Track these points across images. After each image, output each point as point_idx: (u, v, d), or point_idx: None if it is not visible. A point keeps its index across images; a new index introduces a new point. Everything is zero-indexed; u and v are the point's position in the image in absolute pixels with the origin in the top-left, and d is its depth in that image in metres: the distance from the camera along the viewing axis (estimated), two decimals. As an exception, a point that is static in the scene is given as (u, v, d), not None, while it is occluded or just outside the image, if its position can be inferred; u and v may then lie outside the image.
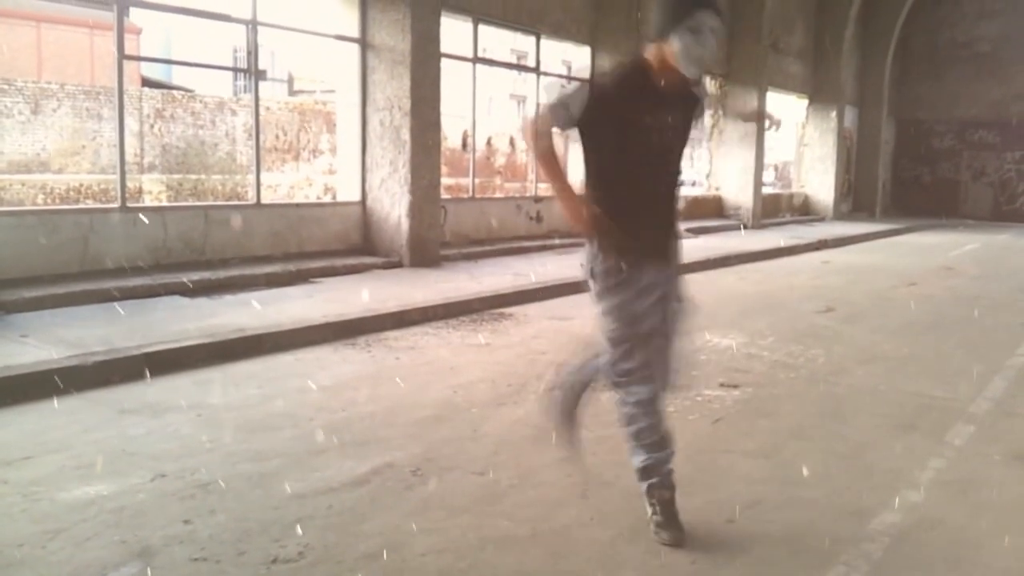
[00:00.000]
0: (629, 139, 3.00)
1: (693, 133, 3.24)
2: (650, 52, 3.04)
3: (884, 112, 23.46)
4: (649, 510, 3.16)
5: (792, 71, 20.17)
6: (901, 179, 25.32)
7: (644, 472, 3.16)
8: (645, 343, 3.09)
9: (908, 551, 3.12)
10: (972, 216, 23.88)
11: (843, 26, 20.82)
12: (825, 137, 21.45)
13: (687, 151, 3.23)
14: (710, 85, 17.91)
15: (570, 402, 3.48)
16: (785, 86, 19.88)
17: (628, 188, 3.06)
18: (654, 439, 3.13)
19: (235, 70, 29.42)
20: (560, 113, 3.02)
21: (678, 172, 3.22)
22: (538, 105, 3.36)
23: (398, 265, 9.42)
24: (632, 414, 3.14)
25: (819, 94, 21.27)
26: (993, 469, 4.02)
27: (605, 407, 4.76)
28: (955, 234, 19.37)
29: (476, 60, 11.53)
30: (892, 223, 20.62)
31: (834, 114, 21.19)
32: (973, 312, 8.62)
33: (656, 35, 2.99)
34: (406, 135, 9.37)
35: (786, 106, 21.44)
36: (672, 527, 3.10)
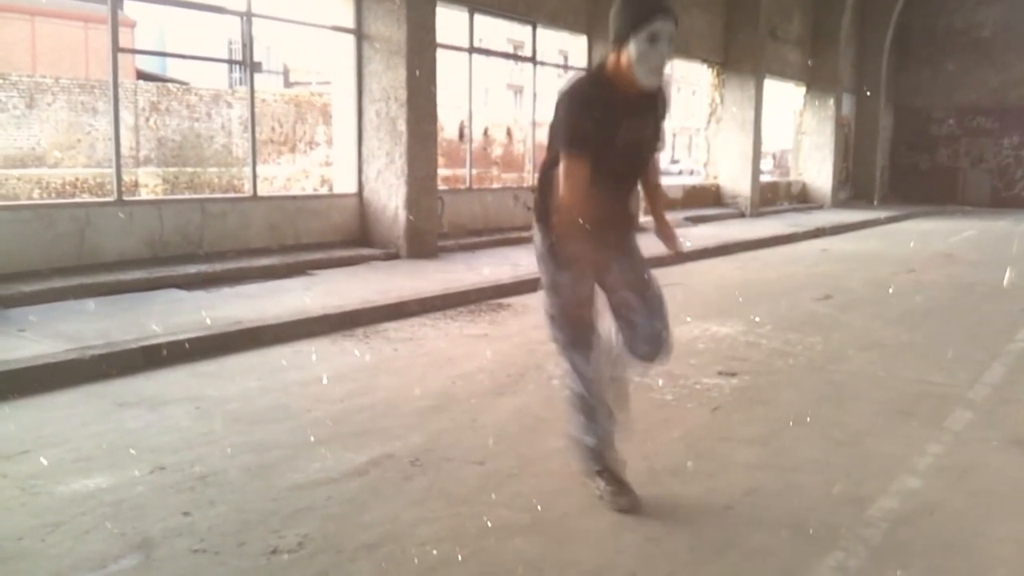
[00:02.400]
0: (597, 149, 2.97)
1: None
2: (611, 60, 3.02)
3: (882, 99, 23.41)
4: (595, 484, 3.29)
5: (790, 59, 20.12)
6: (899, 166, 25.29)
7: (592, 454, 3.31)
8: (580, 317, 3.19)
9: (906, 537, 3.13)
10: (970, 202, 23.88)
11: (841, 13, 20.77)
12: (823, 125, 21.42)
13: (670, 142, 3.26)
14: (709, 73, 17.88)
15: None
16: (783, 74, 19.84)
17: (599, 181, 3.01)
18: (590, 407, 3.25)
19: (230, 62, 29.29)
20: (581, 150, 2.98)
21: (639, 171, 3.27)
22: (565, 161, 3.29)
23: (395, 256, 9.41)
24: (571, 385, 3.28)
25: (817, 82, 21.23)
26: (992, 455, 4.03)
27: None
28: (953, 221, 19.37)
29: (472, 50, 11.49)
30: (890, 210, 20.61)
31: (832, 101, 21.16)
32: (972, 298, 8.62)
33: (614, 43, 2.97)
34: (402, 126, 9.34)
35: (784, 94, 21.42)
36: (626, 493, 3.24)
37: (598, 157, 2.99)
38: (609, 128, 2.99)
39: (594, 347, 3.25)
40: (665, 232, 3.44)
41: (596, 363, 3.25)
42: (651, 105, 3.12)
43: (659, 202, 3.56)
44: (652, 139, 3.18)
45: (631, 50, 2.92)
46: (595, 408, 3.27)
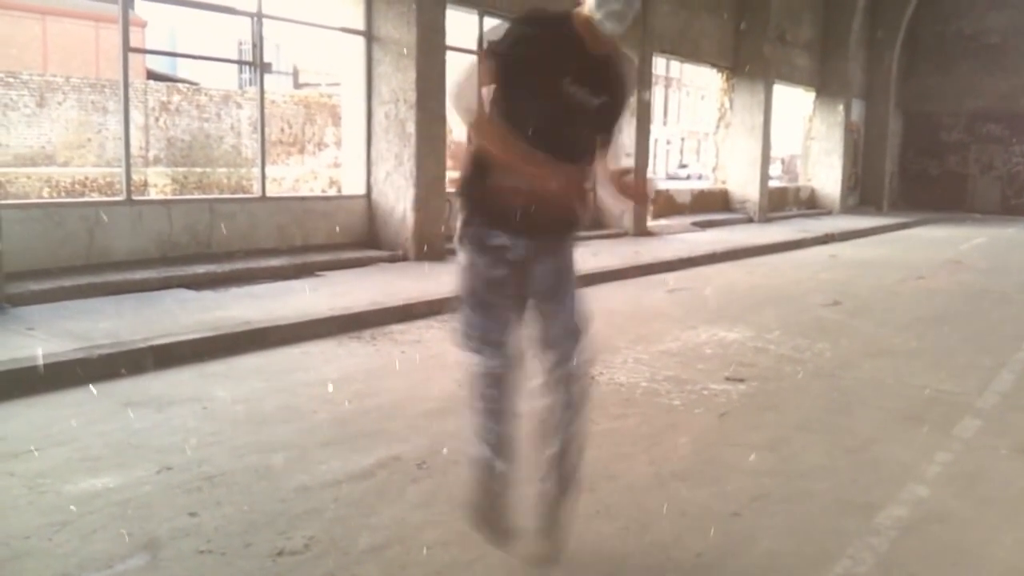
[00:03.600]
0: (532, 92, 2.66)
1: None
2: (579, 11, 2.71)
3: (891, 105, 23.34)
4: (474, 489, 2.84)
5: (799, 64, 20.08)
6: (908, 172, 25.20)
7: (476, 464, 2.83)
8: (486, 308, 2.76)
9: (914, 545, 3.11)
10: (980, 210, 23.77)
11: (850, 18, 20.71)
12: (832, 130, 21.35)
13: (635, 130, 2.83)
14: (718, 78, 17.86)
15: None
16: (792, 79, 19.80)
17: (528, 131, 2.64)
18: (485, 407, 2.79)
19: (240, 63, 29.42)
20: (490, 66, 2.67)
21: (586, 149, 2.80)
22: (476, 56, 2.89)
23: (403, 259, 9.41)
24: (473, 381, 2.81)
25: (826, 87, 21.18)
26: (1000, 463, 4.01)
27: (610, 401, 4.76)
28: (963, 228, 19.29)
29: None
30: (899, 217, 20.54)
31: (841, 107, 21.10)
32: (981, 306, 8.59)
33: None
34: (411, 128, 9.35)
35: (793, 98, 21.37)
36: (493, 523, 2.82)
37: (528, 100, 2.66)
38: (555, 70, 2.64)
39: (499, 380, 2.79)
40: (624, 184, 2.83)
41: (497, 372, 2.78)
42: (607, 77, 2.76)
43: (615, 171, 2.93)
44: (604, 113, 2.78)
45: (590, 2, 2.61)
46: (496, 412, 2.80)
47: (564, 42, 2.68)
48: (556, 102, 2.68)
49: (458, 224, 2.80)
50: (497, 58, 2.67)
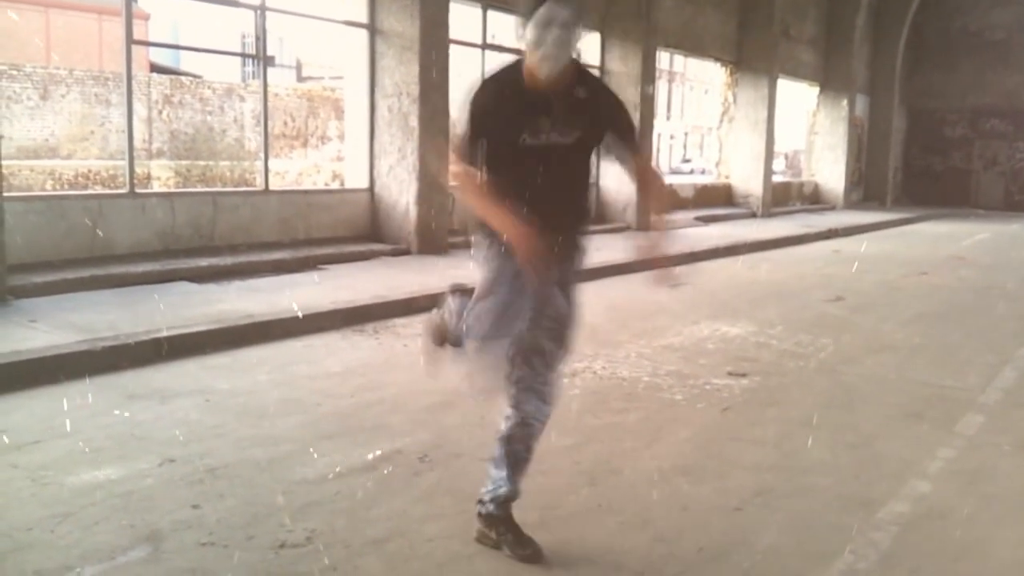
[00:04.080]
0: (507, 146, 2.75)
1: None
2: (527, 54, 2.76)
3: (895, 100, 23.28)
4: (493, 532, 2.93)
5: (803, 59, 20.02)
6: (912, 168, 25.15)
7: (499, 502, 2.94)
8: (503, 306, 2.83)
9: (916, 541, 3.11)
10: (983, 206, 23.72)
11: (855, 13, 20.65)
12: (836, 125, 21.30)
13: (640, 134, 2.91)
14: (722, 72, 17.82)
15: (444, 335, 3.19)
16: (796, 74, 19.74)
17: (511, 191, 2.72)
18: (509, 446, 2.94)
19: (243, 56, 29.38)
20: (463, 146, 2.78)
21: (575, 176, 2.88)
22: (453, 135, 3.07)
23: (406, 252, 9.41)
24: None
25: (830, 82, 21.12)
26: (1002, 460, 4.00)
27: (612, 395, 4.77)
28: (966, 224, 19.25)
29: (485, 46, 11.47)
30: (903, 212, 20.50)
31: (845, 102, 21.05)
32: (984, 302, 8.57)
33: (520, 33, 2.72)
34: (414, 122, 9.34)
35: (797, 93, 21.31)
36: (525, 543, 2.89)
37: (504, 160, 2.77)
38: (512, 127, 2.72)
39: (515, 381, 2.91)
40: (652, 241, 2.97)
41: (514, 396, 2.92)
42: (582, 105, 2.77)
43: (653, 202, 3.17)
44: (585, 143, 2.82)
45: (528, 36, 2.66)
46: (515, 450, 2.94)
47: (516, 96, 2.74)
48: (526, 154, 2.74)
49: (481, 242, 2.87)
50: (470, 121, 2.75)
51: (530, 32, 2.65)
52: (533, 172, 2.75)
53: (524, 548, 2.86)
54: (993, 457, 4.03)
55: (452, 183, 2.89)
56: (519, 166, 2.76)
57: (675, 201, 16.18)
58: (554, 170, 2.77)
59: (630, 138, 2.92)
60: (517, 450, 2.93)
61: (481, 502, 2.96)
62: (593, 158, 2.94)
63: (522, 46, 2.73)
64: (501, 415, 2.99)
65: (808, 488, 3.55)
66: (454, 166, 2.82)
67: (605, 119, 2.85)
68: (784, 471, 3.74)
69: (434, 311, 3.29)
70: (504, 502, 2.92)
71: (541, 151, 2.75)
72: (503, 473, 2.93)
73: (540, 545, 2.88)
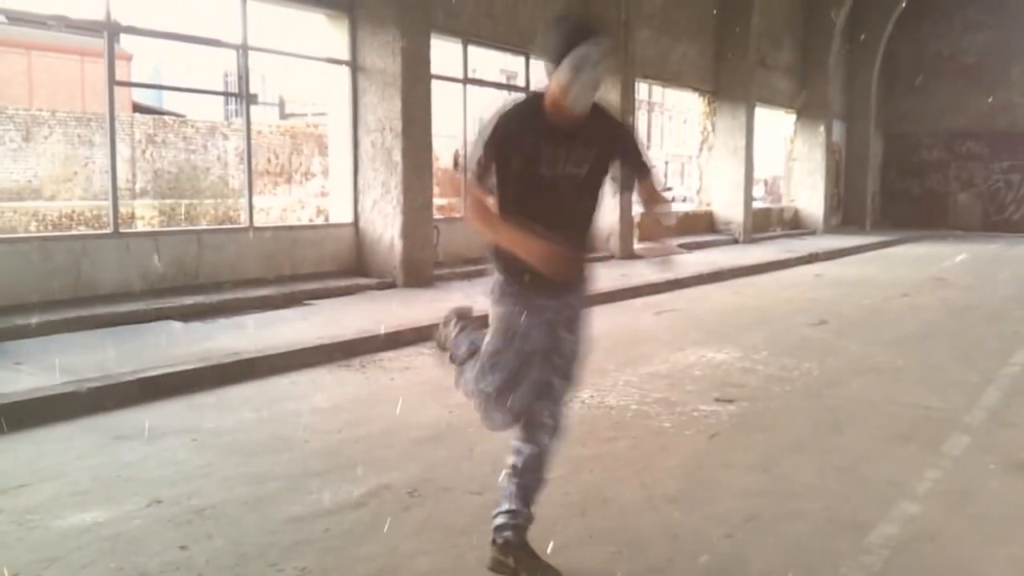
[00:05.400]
0: (524, 177, 2.84)
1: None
2: (549, 86, 2.85)
3: (872, 125, 23.63)
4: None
5: (780, 86, 20.33)
6: (890, 191, 25.46)
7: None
8: (517, 362, 2.95)
9: (906, 563, 3.13)
10: (962, 227, 24.01)
11: (829, 41, 21.01)
12: (814, 151, 21.58)
13: (609, 182, 3.01)
14: (700, 102, 18.06)
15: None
16: (773, 101, 20.03)
17: (528, 219, 2.81)
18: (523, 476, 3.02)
19: (226, 94, 29.47)
20: (481, 174, 2.85)
21: (585, 205, 2.99)
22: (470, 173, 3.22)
23: (392, 286, 9.42)
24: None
25: (807, 109, 21.43)
26: (990, 479, 4.03)
27: (600, 424, 4.77)
28: (945, 245, 19.47)
29: (466, 81, 11.60)
30: (882, 235, 20.72)
31: (822, 128, 21.35)
32: (966, 322, 8.66)
33: (548, 69, 2.82)
34: (398, 156, 9.40)
35: (775, 121, 21.60)
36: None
37: (521, 191, 2.85)
38: (531, 159, 2.82)
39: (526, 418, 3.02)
40: (658, 250, 3.21)
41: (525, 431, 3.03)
42: (594, 137, 2.89)
43: (662, 215, 3.28)
44: (596, 174, 2.93)
45: (560, 76, 2.77)
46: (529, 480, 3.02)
47: (538, 127, 2.83)
48: (542, 184, 2.85)
49: (496, 284, 3.03)
50: (491, 148, 2.82)
51: (563, 72, 2.75)
52: (546, 202, 2.86)
53: (545, 572, 2.91)
54: (980, 477, 4.06)
55: (468, 213, 2.97)
56: (534, 195, 2.86)
57: (657, 229, 16.28)
58: (566, 201, 2.89)
59: (640, 161, 3.03)
60: (528, 481, 3.02)
61: (497, 529, 3.01)
62: (601, 191, 3.03)
63: (548, 81, 2.82)
64: (510, 450, 3.05)
65: (798, 512, 3.56)
66: (471, 195, 2.91)
67: (617, 148, 2.97)
68: (773, 496, 3.75)
69: (440, 327, 3.50)
70: (521, 529, 2.99)
71: (556, 182, 2.86)
72: (516, 505, 3.00)
73: (559, 569, 2.92)
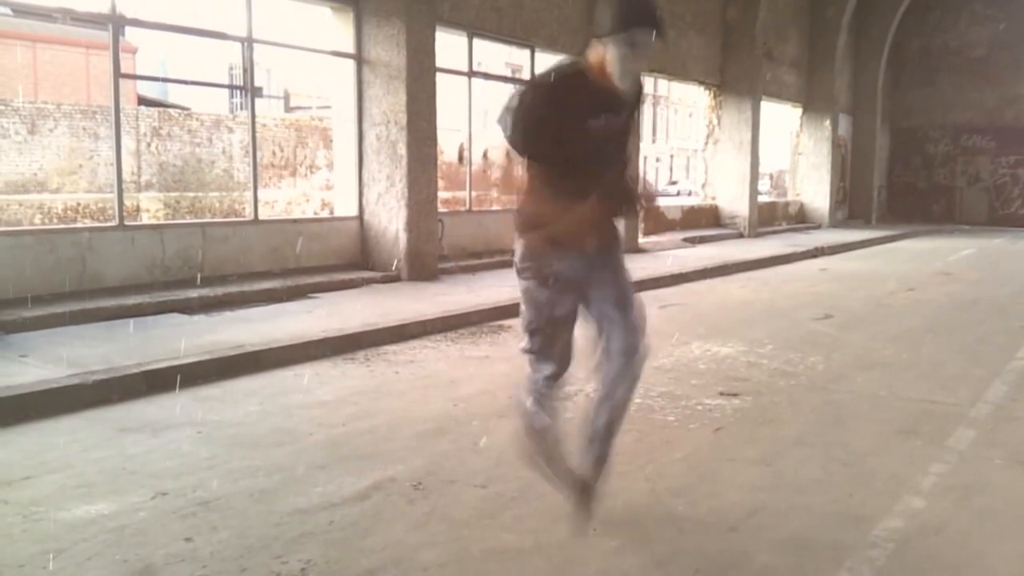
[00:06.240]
0: (566, 138, 2.99)
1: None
2: (593, 52, 3.06)
3: (878, 119, 23.55)
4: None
5: (786, 80, 20.27)
6: (896, 185, 25.40)
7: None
8: (549, 329, 3.17)
9: (911, 557, 3.12)
10: (967, 221, 23.95)
11: (836, 34, 20.93)
12: (820, 145, 21.53)
13: (633, 142, 3.24)
14: (706, 95, 18.01)
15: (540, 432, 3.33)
16: (779, 95, 19.97)
17: (562, 179, 3.02)
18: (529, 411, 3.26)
19: (231, 87, 29.45)
20: (517, 140, 3.00)
21: (616, 162, 3.20)
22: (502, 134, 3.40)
23: (396, 279, 9.43)
24: (529, 388, 3.27)
25: (813, 102, 21.36)
26: (995, 473, 4.02)
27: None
28: (951, 239, 19.41)
29: (471, 74, 11.57)
30: (888, 229, 20.67)
31: (828, 122, 21.28)
32: (971, 316, 8.63)
33: (598, 37, 3.03)
34: (402, 149, 9.40)
35: (781, 114, 21.54)
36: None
37: (565, 148, 2.99)
38: (579, 116, 2.99)
39: (550, 381, 3.24)
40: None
41: (541, 398, 3.24)
42: (621, 101, 3.11)
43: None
44: (623, 133, 3.17)
45: (611, 51, 2.98)
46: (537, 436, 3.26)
47: (582, 88, 3.03)
48: (583, 138, 3.02)
49: (517, 255, 3.16)
50: (537, 107, 2.98)
51: (615, 48, 2.96)
52: (592, 153, 3.04)
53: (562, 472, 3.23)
54: (986, 471, 4.05)
55: (498, 182, 3.19)
56: (579, 149, 3.01)
57: (662, 223, 16.28)
58: (602, 157, 3.09)
59: (636, 132, 3.32)
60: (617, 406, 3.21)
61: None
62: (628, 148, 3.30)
63: (596, 46, 3.03)
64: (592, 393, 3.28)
65: (802, 506, 3.55)
66: (502, 167, 3.10)
67: (635, 111, 3.26)
68: (778, 490, 3.74)
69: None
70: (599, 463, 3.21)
71: (600, 133, 3.04)
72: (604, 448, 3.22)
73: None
